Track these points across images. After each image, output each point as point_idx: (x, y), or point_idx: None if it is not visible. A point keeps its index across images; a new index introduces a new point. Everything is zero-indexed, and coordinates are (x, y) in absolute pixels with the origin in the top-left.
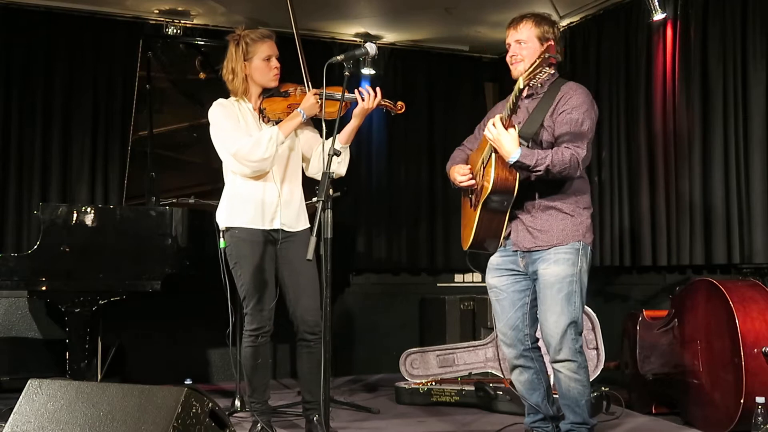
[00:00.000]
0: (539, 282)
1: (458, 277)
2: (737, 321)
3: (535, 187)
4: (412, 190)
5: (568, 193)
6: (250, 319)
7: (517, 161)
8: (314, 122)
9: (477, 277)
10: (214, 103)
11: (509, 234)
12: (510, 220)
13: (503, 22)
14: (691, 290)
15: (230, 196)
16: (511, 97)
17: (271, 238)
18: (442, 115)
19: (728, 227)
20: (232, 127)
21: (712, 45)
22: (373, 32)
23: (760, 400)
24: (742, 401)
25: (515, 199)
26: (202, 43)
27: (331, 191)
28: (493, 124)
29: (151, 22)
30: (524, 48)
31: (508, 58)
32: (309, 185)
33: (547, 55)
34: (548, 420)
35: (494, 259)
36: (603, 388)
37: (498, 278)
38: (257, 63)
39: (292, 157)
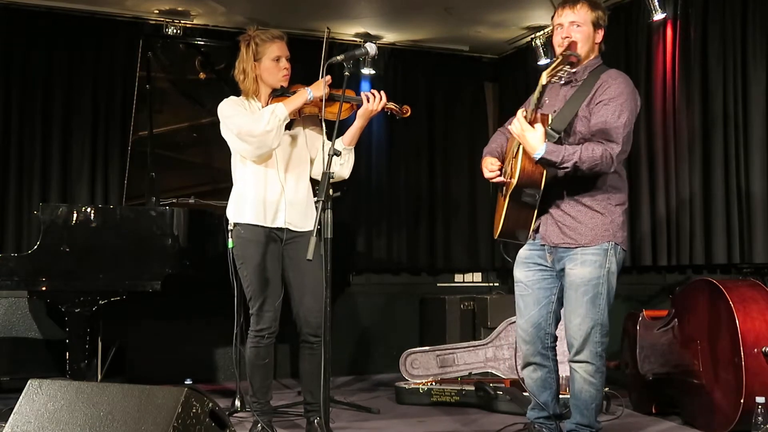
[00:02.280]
0: (565, 281)
1: (458, 277)
2: (737, 321)
3: (566, 181)
4: (412, 190)
5: (600, 188)
6: (256, 320)
7: (542, 158)
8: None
9: (477, 277)
10: (224, 99)
11: (539, 227)
12: (540, 213)
13: (503, 22)
14: (691, 290)
15: (237, 193)
16: (536, 92)
17: (275, 237)
18: (442, 115)
19: (728, 227)
20: (238, 112)
21: (712, 45)
22: (373, 32)
23: (760, 400)
24: (742, 401)
25: (546, 192)
26: (202, 43)
27: (331, 191)
28: (518, 119)
29: (151, 22)
30: (578, 31)
31: (559, 39)
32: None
33: (568, 52)
34: (553, 418)
35: (523, 252)
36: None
37: (525, 272)
38: (267, 63)
39: (295, 154)
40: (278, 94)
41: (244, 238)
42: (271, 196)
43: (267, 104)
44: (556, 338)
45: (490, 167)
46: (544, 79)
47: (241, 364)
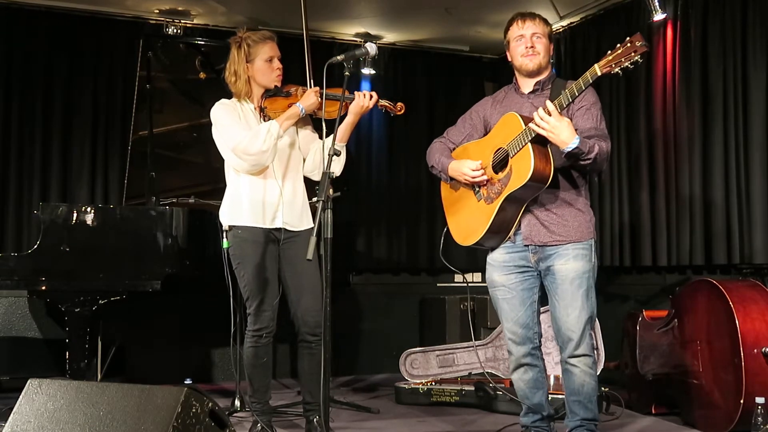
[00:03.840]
0: (555, 277)
1: (458, 277)
2: (737, 321)
3: (551, 183)
4: (412, 190)
5: (580, 189)
6: (253, 320)
7: (576, 147)
8: (314, 122)
9: (477, 277)
10: (216, 103)
11: (518, 229)
12: (522, 215)
13: (503, 22)
14: (691, 290)
15: (232, 195)
16: (575, 86)
17: (273, 237)
18: (442, 115)
19: (728, 227)
20: (232, 123)
21: (712, 45)
22: (373, 32)
23: (759, 400)
24: (741, 401)
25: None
26: (202, 43)
27: (331, 191)
28: (548, 113)
29: (152, 22)
30: (539, 42)
31: (522, 50)
32: (312, 184)
33: (639, 43)
34: (546, 419)
35: (498, 256)
36: (603, 388)
37: (506, 276)
38: (259, 64)
39: (293, 155)
40: (271, 94)
41: (242, 238)
42: (269, 197)
43: (259, 105)
44: (541, 336)
45: (474, 167)
46: (598, 70)
47: (241, 364)
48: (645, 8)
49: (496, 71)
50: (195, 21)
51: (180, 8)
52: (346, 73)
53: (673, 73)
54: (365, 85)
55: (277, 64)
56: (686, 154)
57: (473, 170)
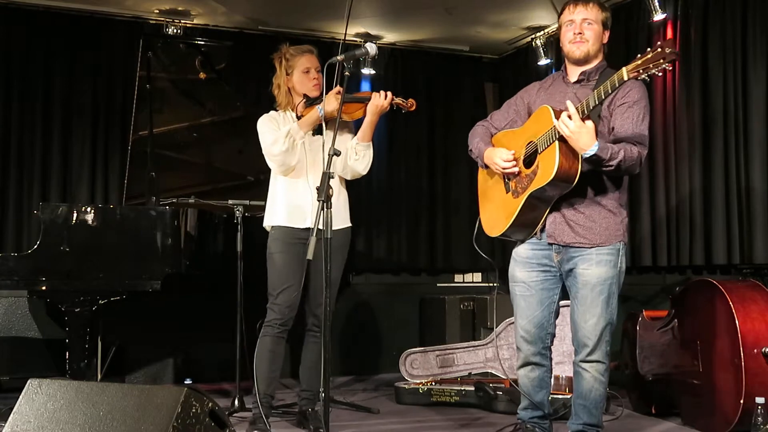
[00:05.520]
0: (576, 281)
1: (458, 277)
2: (737, 321)
3: (586, 180)
4: (412, 190)
5: (614, 188)
6: (269, 312)
7: (594, 155)
8: (356, 126)
9: (477, 277)
10: (262, 115)
11: (545, 225)
12: (549, 212)
13: (503, 22)
14: (691, 290)
15: (270, 198)
16: (602, 88)
17: (303, 238)
18: (442, 116)
19: (728, 227)
20: (268, 130)
21: (712, 45)
22: (373, 32)
23: (759, 400)
24: (741, 402)
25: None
26: (202, 43)
27: (331, 191)
28: (569, 116)
29: (151, 21)
30: (590, 29)
31: (570, 36)
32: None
33: (668, 50)
34: (546, 418)
35: (523, 251)
36: None
37: (527, 272)
38: (297, 76)
39: (322, 157)
40: (309, 103)
41: (274, 237)
42: (300, 199)
43: (299, 113)
44: (554, 337)
45: (506, 157)
46: (625, 75)
47: (242, 363)
48: (645, 8)
49: (496, 71)
50: (195, 21)
51: (180, 8)
52: (346, 73)
53: (673, 73)
54: (365, 85)
55: (314, 74)
56: (686, 154)
57: (504, 160)
